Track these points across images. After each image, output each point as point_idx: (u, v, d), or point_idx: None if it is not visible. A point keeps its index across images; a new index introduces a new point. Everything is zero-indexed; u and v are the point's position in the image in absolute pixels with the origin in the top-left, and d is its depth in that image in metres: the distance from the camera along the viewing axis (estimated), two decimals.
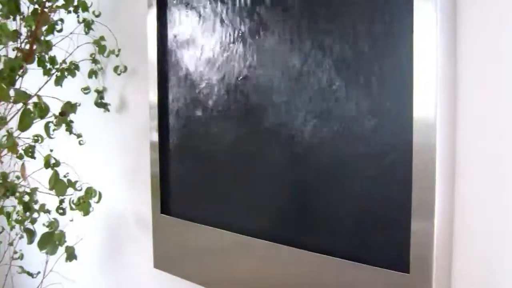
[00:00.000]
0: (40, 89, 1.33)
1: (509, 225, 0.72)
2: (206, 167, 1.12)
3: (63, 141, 1.39)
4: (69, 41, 1.43)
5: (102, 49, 1.38)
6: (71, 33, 1.41)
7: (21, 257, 1.58)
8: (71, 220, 1.37)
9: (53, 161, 1.27)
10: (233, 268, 1.07)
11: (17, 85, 1.29)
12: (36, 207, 1.33)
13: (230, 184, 1.07)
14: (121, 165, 1.45)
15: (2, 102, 1.29)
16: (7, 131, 1.26)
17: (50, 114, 1.29)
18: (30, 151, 1.30)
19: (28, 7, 1.30)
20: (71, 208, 1.32)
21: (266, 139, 0.99)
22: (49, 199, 1.35)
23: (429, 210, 0.75)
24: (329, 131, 0.88)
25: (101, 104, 1.45)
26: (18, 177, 1.43)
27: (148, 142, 1.24)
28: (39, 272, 1.56)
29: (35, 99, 1.25)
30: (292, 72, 0.93)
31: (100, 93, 1.45)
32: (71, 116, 1.36)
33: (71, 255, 1.31)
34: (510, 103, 0.71)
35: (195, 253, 1.16)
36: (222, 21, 1.05)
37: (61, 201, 1.30)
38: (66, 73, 1.41)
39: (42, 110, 1.18)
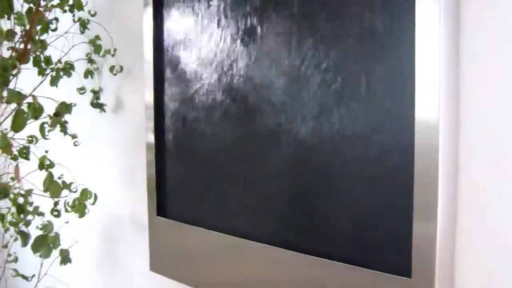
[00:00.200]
0: (35, 89, 1.31)
1: None
2: (203, 169, 1.11)
3: (58, 142, 1.37)
4: (64, 41, 1.42)
5: (97, 48, 1.37)
6: (66, 32, 1.39)
7: (16, 260, 1.56)
8: (67, 222, 1.36)
9: (47, 162, 1.25)
10: (231, 271, 1.06)
11: (11, 85, 1.27)
12: (31, 209, 1.31)
13: (228, 186, 1.06)
14: (117, 166, 1.43)
15: None
16: (1, 131, 1.25)
17: (45, 114, 1.27)
18: (24, 152, 1.28)
19: (22, 6, 1.28)
20: (66, 210, 1.31)
21: (264, 140, 0.97)
22: (43, 201, 1.33)
23: (431, 213, 0.74)
24: (329, 132, 0.87)
25: (97, 104, 1.44)
26: (12, 179, 1.41)
27: (144, 143, 1.22)
28: (33, 275, 1.54)
29: (30, 100, 1.24)
30: (291, 72, 0.91)
31: (96, 93, 1.44)
32: (67, 117, 1.34)
33: (65, 258, 1.29)
34: None
35: (191, 256, 1.14)
36: (219, 20, 1.04)
37: (56, 203, 1.28)
38: (61, 73, 1.39)
39: (36, 110, 1.16)
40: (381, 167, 0.80)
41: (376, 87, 0.80)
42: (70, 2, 1.35)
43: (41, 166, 1.25)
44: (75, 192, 1.32)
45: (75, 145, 1.38)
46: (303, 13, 0.89)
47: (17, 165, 1.34)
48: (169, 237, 1.20)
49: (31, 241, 1.29)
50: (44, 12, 1.31)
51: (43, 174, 1.28)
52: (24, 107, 1.22)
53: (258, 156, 0.99)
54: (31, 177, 1.36)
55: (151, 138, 1.20)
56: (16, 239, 1.38)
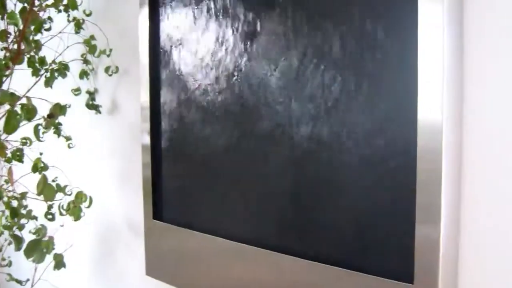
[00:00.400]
0: (28, 90, 1.29)
1: None
2: (200, 171, 1.09)
3: (52, 144, 1.35)
4: (59, 41, 1.40)
5: (92, 49, 1.35)
6: (60, 32, 1.37)
7: (9, 264, 1.54)
8: (62, 226, 1.34)
9: (41, 165, 1.23)
10: (228, 276, 1.04)
11: (5, 86, 1.25)
12: (24, 212, 1.28)
13: (225, 189, 1.04)
14: (113, 168, 1.41)
15: None
16: None
17: (39, 116, 1.25)
18: (18, 155, 1.26)
19: (15, 5, 1.26)
20: (61, 214, 1.28)
21: (263, 142, 0.95)
22: (37, 205, 1.31)
23: (434, 217, 0.72)
24: (329, 134, 0.85)
25: (92, 105, 1.42)
26: (6, 182, 1.39)
27: (140, 145, 1.21)
28: (28, 280, 1.52)
29: (24, 101, 1.21)
30: (290, 73, 0.89)
31: (92, 94, 1.42)
32: (61, 119, 1.32)
33: (59, 263, 1.26)
34: None
35: (188, 261, 1.13)
36: (216, 20, 1.02)
37: (50, 207, 1.26)
38: (56, 74, 1.37)
39: (29, 112, 1.14)
40: (383, 169, 0.78)
41: (378, 88, 0.78)
42: (65, 2, 1.32)
43: (35, 168, 1.23)
44: (69, 195, 1.30)
45: (69, 147, 1.36)
46: (303, 13, 0.87)
47: (10, 167, 1.32)
48: (165, 241, 1.18)
49: (24, 246, 1.26)
50: (38, 12, 1.29)
51: (37, 177, 1.26)
52: (18, 108, 1.20)
53: (257, 158, 0.97)
54: (25, 180, 1.34)
55: (147, 140, 1.18)
56: (10, 243, 1.36)
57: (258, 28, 0.94)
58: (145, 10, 1.16)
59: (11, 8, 1.27)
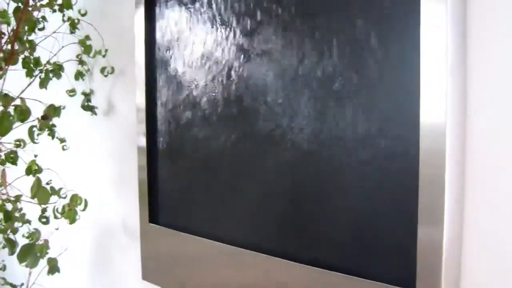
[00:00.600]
0: (22, 92, 1.27)
1: None
2: (196, 174, 1.07)
3: (47, 146, 1.33)
4: (53, 41, 1.38)
5: (87, 49, 1.33)
6: (54, 32, 1.35)
7: (4, 268, 1.51)
8: (57, 229, 1.31)
9: (35, 167, 1.21)
10: (225, 281, 1.02)
11: None
12: (18, 215, 1.26)
13: (223, 192, 1.02)
14: (108, 171, 1.39)
15: None
16: None
17: (33, 117, 1.23)
18: (11, 157, 1.24)
19: (8, 4, 1.24)
20: (55, 217, 1.26)
21: (261, 144, 0.93)
22: (31, 208, 1.28)
23: (437, 221, 0.70)
24: (330, 136, 0.83)
25: (88, 107, 1.40)
26: (0, 185, 1.36)
27: (136, 147, 1.19)
28: (22, 284, 1.50)
29: (18, 102, 1.19)
30: (290, 73, 0.87)
31: (87, 95, 1.40)
32: (56, 120, 1.30)
33: (53, 267, 1.24)
34: None
35: (185, 265, 1.11)
36: (212, 20, 1.00)
37: (44, 210, 1.24)
38: (51, 75, 1.35)
39: (22, 113, 1.12)
40: (385, 172, 0.76)
41: (379, 89, 0.76)
42: (59, 1, 1.30)
43: (29, 171, 1.20)
44: (64, 198, 1.28)
45: (63, 149, 1.34)
46: (302, 13, 0.85)
47: (3, 170, 1.30)
48: (162, 245, 1.16)
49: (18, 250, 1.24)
50: (32, 11, 1.27)
51: (31, 179, 1.24)
52: (11, 109, 1.18)
53: (256, 160, 0.95)
54: (18, 183, 1.32)
55: (143, 141, 1.16)
56: (4, 247, 1.33)
57: (256, 28, 0.92)
58: (141, 10, 1.15)
59: (3, 7, 1.25)
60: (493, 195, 0.70)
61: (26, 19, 1.23)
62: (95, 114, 1.40)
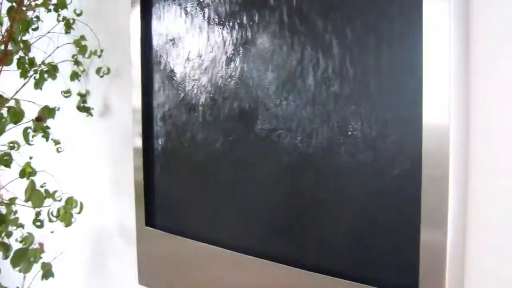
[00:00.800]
0: (16, 93, 1.25)
1: None
2: (193, 176, 1.05)
3: (42, 148, 1.31)
4: (48, 42, 1.36)
5: (82, 49, 1.31)
6: (49, 32, 1.33)
7: None
8: (52, 232, 1.29)
9: (29, 170, 1.19)
10: (221, 285, 1.00)
11: None
12: (11, 218, 1.24)
13: (220, 195, 1.00)
14: (104, 173, 1.37)
15: None
16: None
17: (27, 119, 1.21)
18: (5, 159, 1.22)
19: (1, 3, 1.21)
20: (50, 220, 1.24)
21: (259, 146, 0.91)
22: (25, 211, 1.26)
23: (441, 225, 0.69)
24: (330, 138, 0.81)
25: (83, 108, 1.38)
26: None
27: (132, 149, 1.17)
28: None
29: (12, 103, 1.17)
30: (289, 74, 0.86)
31: (83, 96, 1.38)
32: (52, 122, 1.28)
33: (47, 272, 1.22)
34: None
35: (181, 269, 1.09)
36: (209, 20, 0.98)
37: (38, 213, 1.21)
38: (46, 76, 1.33)
39: (15, 115, 1.10)
40: (387, 173, 0.75)
41: (381, 90, 0.75)
42: (54, 1, 1.28)
43: (23, 174, 1.18)
44: (59, 201, 1.25)
45: (58, 151, 1.32)
46: (303, 12, 0.83)
47: None
48: (158, 248, 1.14)
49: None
50: (26, 11, 1.25)
51: (25, 182, 1.22)
52: (4, 111, 1.15)
53: (254, 163, 0.93)
54: (12, 186, 1.29)
55: (139, 143, 1.15)
56: None
57: (254, 28, 0.91)
58: (137, 10, 1.13)
59: None
60: (497, 196, 0.68)
61: (20, 19, 1.21)
62: (91, 115, 1.38)
